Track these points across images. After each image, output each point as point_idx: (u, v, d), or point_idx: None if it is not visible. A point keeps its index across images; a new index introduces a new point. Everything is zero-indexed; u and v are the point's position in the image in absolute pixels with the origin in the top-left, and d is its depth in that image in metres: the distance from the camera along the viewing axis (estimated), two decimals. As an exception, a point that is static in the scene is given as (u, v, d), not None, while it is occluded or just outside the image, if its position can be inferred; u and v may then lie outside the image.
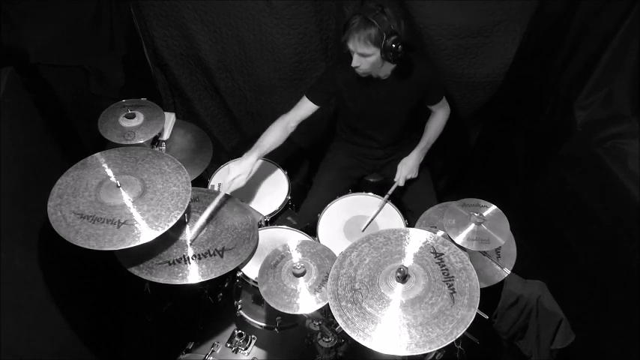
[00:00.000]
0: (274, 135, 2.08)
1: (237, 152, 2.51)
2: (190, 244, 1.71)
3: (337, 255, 1.60)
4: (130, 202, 1.59)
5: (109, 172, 1.68)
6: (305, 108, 2.14)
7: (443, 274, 1.43)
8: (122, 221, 1.53)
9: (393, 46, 1.84)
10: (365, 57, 1.89)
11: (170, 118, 2.26)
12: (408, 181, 2.28)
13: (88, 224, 1.50)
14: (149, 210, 1.57)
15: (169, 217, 1.56)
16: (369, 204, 2.17)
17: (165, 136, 2.22)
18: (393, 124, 2.26)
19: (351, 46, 1.88)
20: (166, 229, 1.53)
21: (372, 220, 2.09)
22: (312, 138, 2.83)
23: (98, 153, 1.74)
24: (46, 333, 1.73)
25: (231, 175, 1.94)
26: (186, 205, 1.60)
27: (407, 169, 2.24)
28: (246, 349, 1.88)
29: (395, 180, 2.22)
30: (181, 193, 1.64)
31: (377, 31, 1.81)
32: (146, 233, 1.51)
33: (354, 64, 1.92)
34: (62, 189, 1.59)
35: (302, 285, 1.60)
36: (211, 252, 1.70)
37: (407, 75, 2.07)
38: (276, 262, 1.67)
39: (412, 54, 2.05)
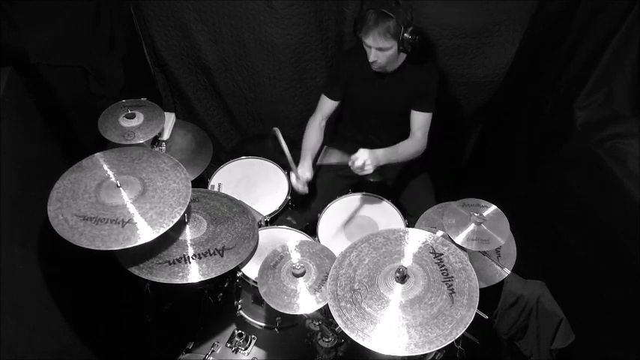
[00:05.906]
0: (313, 136, 2.16)
1: (237, 152, 2.52)
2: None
3: (337, 255, 1.60)
4: (131, 201, 1.59)
5: (109, 172, 1.67)
6: (327, 105, 2.18)
7: (442, 274, 1.43)
8: (126, 220, 1.53)
9: (409, 37, 1.87)
10: (383, 51, 1.90)
11: (170, 118, 2.26)
12: (407, 184, 2.27)
13: (92, 225, 1.50)
14: (152, 208, 1.57)
15: (173, 213, 1.57)
16: (369, 204, 2.16)
17: (166, 136, 2.22)
18: (399, 118, 2.25)
19: (369, 41, 1.88)
20: (171, 225, 1.54)
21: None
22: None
23: (96, 154, 1.74)
24: (46, 333, 1.73)
25: (301, 181, 2.01)
26: (188, 200, 1.61)
27: (372, 156, 1.90)
28: (246, 349, 1.88)
29: (353, 156, 1.89)
30: (182, 190, 1.64)
31: (395, 23, 1.84)
32: (151, 231, 1.51)
33: (371, 59, 1.93)
34: (60, 192, 1.59)
35: (302, 285, 1.60)
36: (211, 251, 1.70)
37: (415, 68, 2.08)
38: (275, 262, 1.67)
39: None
